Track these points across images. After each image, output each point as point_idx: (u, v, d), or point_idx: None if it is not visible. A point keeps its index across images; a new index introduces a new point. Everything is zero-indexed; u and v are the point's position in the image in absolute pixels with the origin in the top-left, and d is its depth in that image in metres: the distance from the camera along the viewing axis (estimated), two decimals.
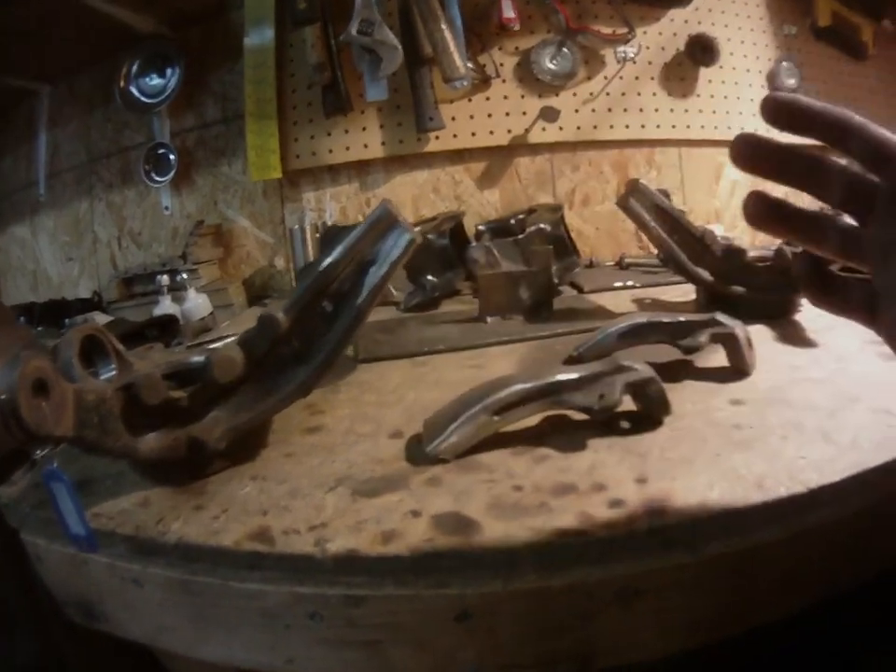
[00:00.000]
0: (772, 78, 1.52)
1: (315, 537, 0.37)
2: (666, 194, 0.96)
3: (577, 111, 1.41)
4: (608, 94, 1.42)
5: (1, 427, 0.35)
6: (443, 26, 1.23)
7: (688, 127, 1.46)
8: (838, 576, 0.38)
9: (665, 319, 0.59)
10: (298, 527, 0.38)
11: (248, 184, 1.44)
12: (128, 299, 1.37)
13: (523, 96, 1.39)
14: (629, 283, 1.07)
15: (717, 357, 0.59)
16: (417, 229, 1.03)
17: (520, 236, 1.00)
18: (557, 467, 0.42)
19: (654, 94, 1.44)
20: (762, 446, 0.43)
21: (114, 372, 0.46)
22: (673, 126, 1.46)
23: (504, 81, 1.39)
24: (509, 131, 1.39)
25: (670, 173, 1.49)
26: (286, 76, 1.38)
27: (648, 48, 1.43)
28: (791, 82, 1.52)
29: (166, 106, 1.41)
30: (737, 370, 0.57)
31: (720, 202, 1.52)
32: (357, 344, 0.81)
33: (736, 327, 0.57)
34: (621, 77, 1.42)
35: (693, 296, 0.85)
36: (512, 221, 1.19)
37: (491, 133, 1.39)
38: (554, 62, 1.38)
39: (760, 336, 0.67)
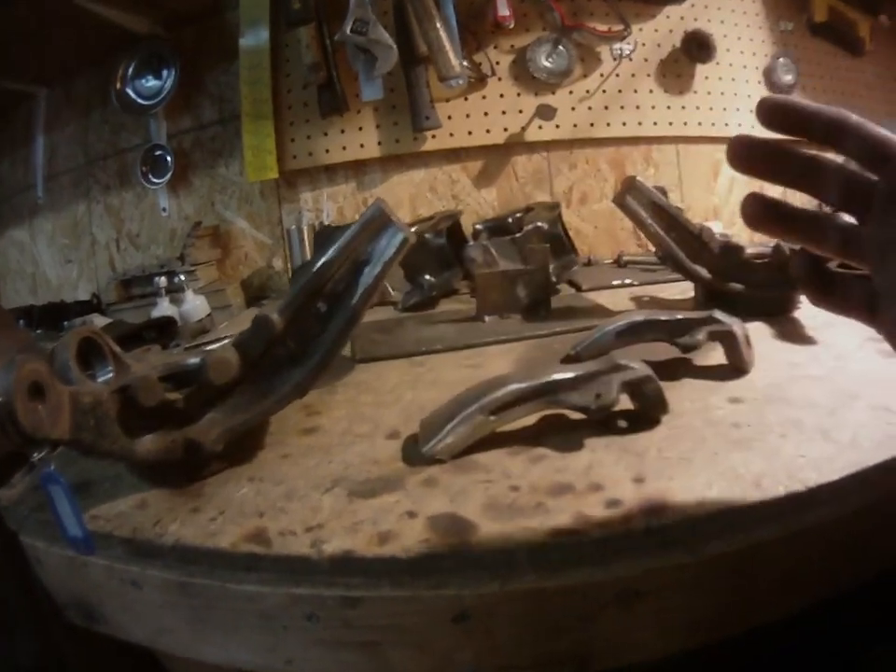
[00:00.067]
0: (769, 74, 1.52)
1: (311, 538, 0.37)
2: (664, 191, 0.96)
3: (573, 109, 1.41)
4: (604, 92, 1.42)
5: None
6: (438, 25, 1.23)
7: (685, 124, 1.47)
8: (838, 575, 0.38)
9: (663, 317, 0.59)
10: (294, 529, 0.38)
11: (245, 185, 1.44)
12: (126, 301, 1.37)
13: (519, 94, 1.39)
14: (627, 281, 1.07)
15: (715, 355, 0.59)
16: (414, 228, 1.03)
17: (517, 235, 1.00)
18: (554, 466, 0.42)
19: (651, 91, 1.45)
20: (760, 445, 0.42)
21: (111, 375, 0.46)
22: (670, 123, 1.46)
23: (500, 79, 1.39)
24: (505, 129, 1.39)
25: (668, 170, 1.49)
26: (281, 76, 1.38)
27: (644, 44, 1.43)
28: (788, 78, 1.52)
29: (162, 108, 1.42)
30: (736, 367, 0.57)
31: (718, 198, 1.52)
32: (355, 344, 0.81)
33: (734, 324, 0.57)
34: (617, 75, 1.42)
35: (692, 293, 0.85)
36: (510, 220, 1.19)
37: (487, 131, 1.39)
38: (550, 59, 1.38)
39: (758, 333, 0.67)
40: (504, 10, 1.31)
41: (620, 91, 1.43)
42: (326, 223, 1.38)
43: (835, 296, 0.34)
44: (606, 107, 1.42)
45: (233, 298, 1.35)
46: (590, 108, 1.42)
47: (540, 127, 1.40)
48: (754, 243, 0.90)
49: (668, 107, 1.45)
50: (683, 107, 1.46)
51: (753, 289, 0.75)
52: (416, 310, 1.03)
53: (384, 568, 0.35)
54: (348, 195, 1.42)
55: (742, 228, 1.37)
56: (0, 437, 0.35)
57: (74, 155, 1.55)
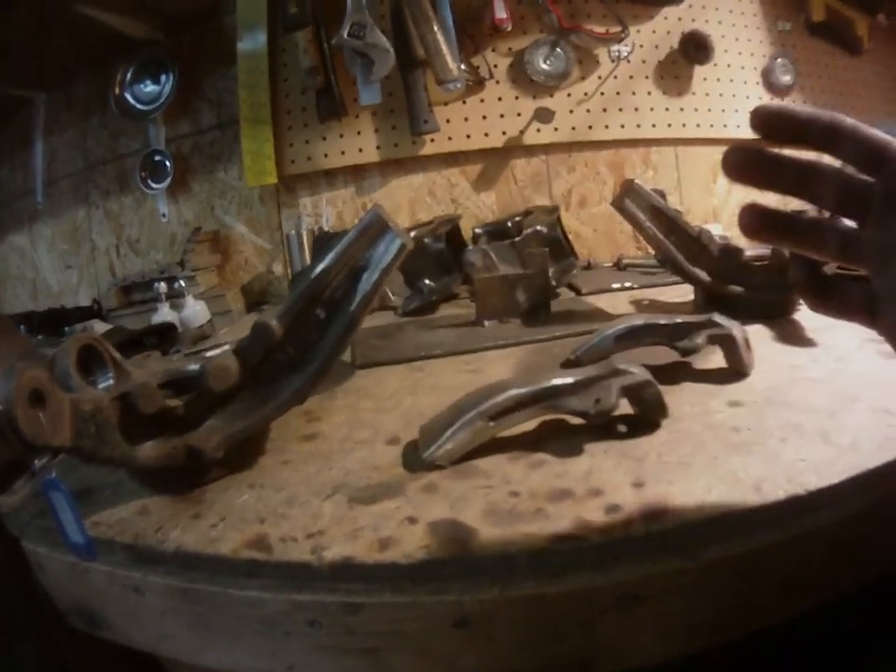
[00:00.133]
0: (767, 75, 1.52)
1: (311, 544, 0.37)
2: (662, 194, 0.96)
3: (572, 112, 1.41)
4: (602, 94, 1.42)
5: None
6: (435, 28, 1.23)
7: (684, 126, 1.47)
8: (838, 579, 0.38)
9: (662, 321, 0.59)
10: (295, 535, 0.38)
11: (245, 190, 1.44)
12: (127, 306, 1.38)
13: (517, 97, 1.40)
14: (627, 284, 1.07)
15: (715, 359, 0.59)
16: (413, 233, 1.03)
17: (517, 239, 1.00)
18: (554, 472, 0.42)
19: (649, 93, 1.45)
20: (760, 448, 0.42)
21: (111, 382, 0.46)
22: (669, 125, 1.46)
23: (498, 83, 1.39)
24: (504, 132, 1.39)
25: (667, 172, 1.49)
26: (279, 80, 1.38)
27: (642, 46, 1.44)
28: (787, 78, 1.52)
29: (161, 113, 1.42)
30: (735, 371, 0.57)
31: (717, 200, 1.52)
32: (355, 350, 0.81)
33: (734, 327, 0.57)
34: (615, 77, 1.42)
35: (692, 296, 0.85)
36: (509, 224, 1.19)
37: (486, 135, 1.39)
38: (548, 62, 1.38)
39: (758, 336, 0.67)
40: (501, 13, 1.31)
41: (618, 93, 1.43)
42: (325, 228, 1.38)
43: (834, 301, 0.34)
44: (604, 110, 1.42)
45: (233, 303, 1.35)
46: (588, 111, 1.42)
47: (539, 130, 1.40)
48: (753, 245, 0.90)
49: (667, 109, 1.46)
50: (682, 109, 1.46)
51: (753, 292, 0.75)
52: (416, 315, 1.04)
53: (384, 574, 0.35)
54: (347, 200, 1.42)
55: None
56: (1, 444, 0.35)
57: (73, 160, 1.56)
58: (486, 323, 0.87)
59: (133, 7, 1.32)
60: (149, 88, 1.44)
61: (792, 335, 0.68)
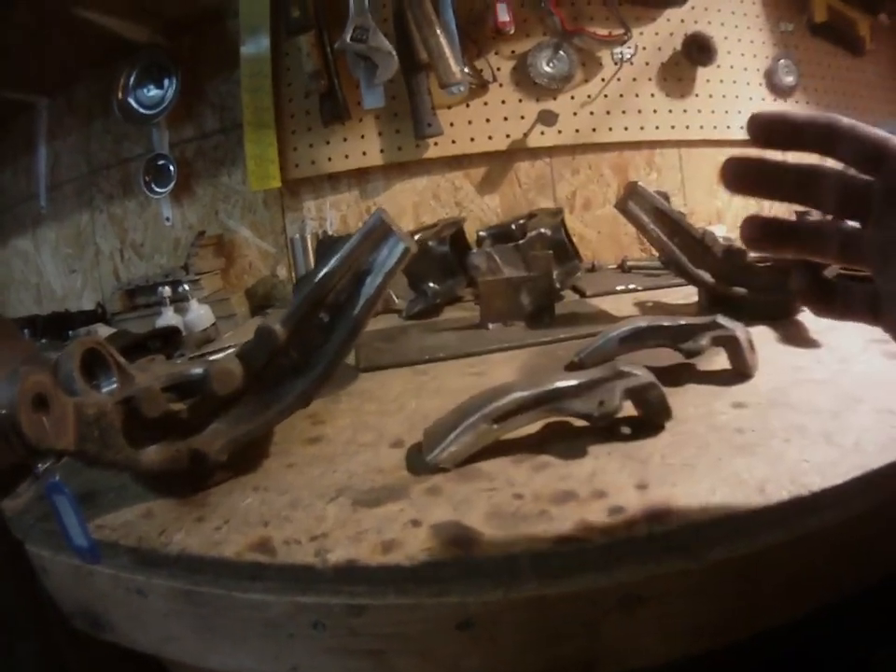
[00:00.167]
0: (770, 76, 1.52)
1: (315, 547, 0.37)
2: (666, 196, 0.96)
3: (575, 114, 1.41)
4: (606, 96, 1.42)
5: (2, 442, 0.35)
6: (438, 31, 1.23)
7: (687, 127, 1.47)
8: (842, 580, 0.38)
9: (666, 323, 0.59)
10: (299, 538, 0.38)
11: (249, 194, 1.44)
12: (131, 310, 1.38)
13: (520, 100, 1.40)
14: (631, 286, 1.06)
15: (719, 360, 0.59)
16: (417, 236, 1.03)
17: (521, 241, 1.00)
18: (558, 474, 0.42)
19: (652, 95, 1.45)
20: (764, 450, 0.42)
21: (115, 385, 0.46)
22: (672, 127, 1.46)
23: (501, 86, 1.39)
24: (507, 135, 1.40)
25: (670, 174, 1.49)
26: (283, 84, 1.39)
27: (644, 48, 1.43)
28: (790, 79, 1.52)
29: (164, 117, 1.42)
30: (739, 372, 0.57)
31: (721, 202, 1.52)
32: (359, 353, 0.81)
33: (738, 329, 0.57)
34: (618, 79, 1.42)
35: (696, 298, 0.85)
36: (513, 226, 1.19)
37: (490, 138, 1.39)
38: (551, 65, 1.38)
39: (762, 337, 0.67)
40: (504, 16, 1.31)
41: (621, 95, 1.43)
42: (329, 232, 1.38)
43: (837, 304, 0.34)
44: (608, 112, 1.43)
45: (238, 307, 1.36)
46: (592, 113, 1.42)
47: (543, 133, 1.40)
48: None
49: (670, 111, 1.46)
50: (685, 111, 1.46)
51: (757, 293, 0.75)
52: (420, 318, 1.03)
53: (388, 577, 0.35)
54: (351, 203, 1.43)
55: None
56: (4, 448, 0.35)
57: (76, 164, 1.56)
58: (490, 326, 0.87)
59: (134, 11, 1.32)
60: (152, 92, 1.44)
61: (796, 336, 0.68)
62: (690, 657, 0.36)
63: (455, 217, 1.28)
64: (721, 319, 0.58)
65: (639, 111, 1.44)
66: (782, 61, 1.52)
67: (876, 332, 0.33)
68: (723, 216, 1.52)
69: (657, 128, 1.45)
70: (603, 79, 1.42)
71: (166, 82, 1.43)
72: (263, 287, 1.47)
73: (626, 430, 0.47)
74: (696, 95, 1.47)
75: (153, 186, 1.46)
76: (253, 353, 0.48)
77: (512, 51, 1.39)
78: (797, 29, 1.57)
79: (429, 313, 1.05)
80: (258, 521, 0.41)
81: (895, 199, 0.30)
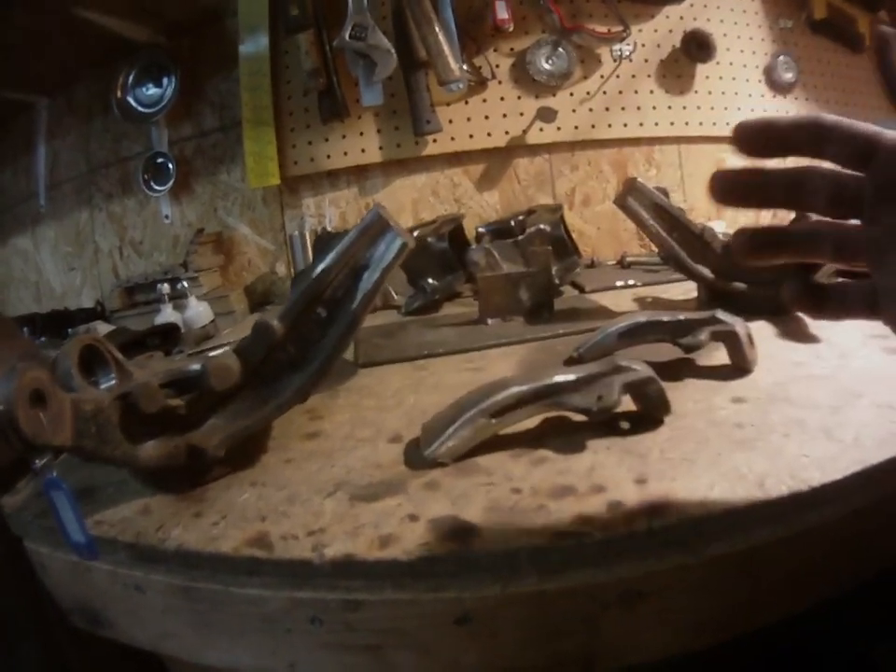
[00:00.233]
0: (769, 73, 1.52)
1: (312, 542, 0.37)
2: (665, 192, 0.96)
3: (574, 111, 1.41)
4: (605, 93, 1.42)
5: (0, 439, 0.35)
6: (437, 29, 1.23)
7: (686, 124, 1.46)
8: (842, 575, 0.38)
9: (665, 318, 0.59)
10: (296, 533, 0.38)
11: (248, 191, 1.44)
12: (130, 308, 1.38)
13: (519, 97, 1.39)
14: (631, 282, 1.06)
15: (718, 355, 0.59)
16: (416, 232, 1.03)
17: (520, 237, 1.00)
18: (556, 469, 0.42)
19: (652, 92, 1.44)
20: (763, 445, 0.42)
21: (114, 382, 0.46)
22: (671, 123, 1.45)
23: (500, 83, 1.39)
24: (506, 132, 1.39)
25: (670, 170, 1.48)
26: (281, 82, 1.38)
27: (643, 45, 1.43)
28: (789, 76, 1.52)
29: (164, 116, 1.42)
30: (739, 367, 0.57)
31: None
32: (358, 349, 0.81)
33: (737, 324, 0.57)
34: (617, 76, 1.42)
35: (695, 294, 0.85)
36: (512, 223, 1.19)
37: (489, 134, 1.39)
38: (550, 62, 1.38)
39: (761, 332, 0.66)
40: (503, 13, 1.31)
41: (620, 92, 1.43)
42: (328, 228, 1.38)
43: (832, 305, 0.34)
44: (607, 109, 1.42)
45: (237, 304, 1.35)
46: (591, 110, 1.42)
47: (542, 129, 1.40)
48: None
49: (669, 107, 1.45)
50: (684, 107, 1.46)
51: (756, 288, 0.75)
52: (419, 314, 1.03)
53: (385, 572, 0.35)
54: (350, 200, 1.43)
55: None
56: (2, 444, 0.35)
57: (76, 163, 1.56)
58: (489, 321, 0.86)
59: (133, 11, 1.32)
60: (151, 91, 1.44)
61: (796, 331, 0.67)
62: (690, 653, 0.36)
63: (454, 214, 1.28)
64: (721, 314, 0.57)
65: (638, 108, 1.44)
66: (781, 57, 1.52)
67: (876, 327, 0.33)
68: (722, 212, 1.51)
69: (656, 124, 1.44)
70: (602, 76, 1.42)
71: (165, 81, 1.43)
72: (262, 284, 1.46)
73: (625, 425, 0.47)
74: (696, 92, 1.47)
75: (152, 184, 1.46)
76: (250, 348, 0.47)
77: (511, 49, 1.39)
78: (796, 26, 1.57)
79: (428, 309, 1.05)
80: (255, 516, 0.41)
81: (886, 193, 0.29)
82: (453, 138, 1.38)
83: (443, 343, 0.79)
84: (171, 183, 1.44)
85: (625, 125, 1.43)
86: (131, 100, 1.44)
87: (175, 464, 0.45)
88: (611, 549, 0.35)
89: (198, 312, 1.20)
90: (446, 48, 1.23)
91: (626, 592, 0.34)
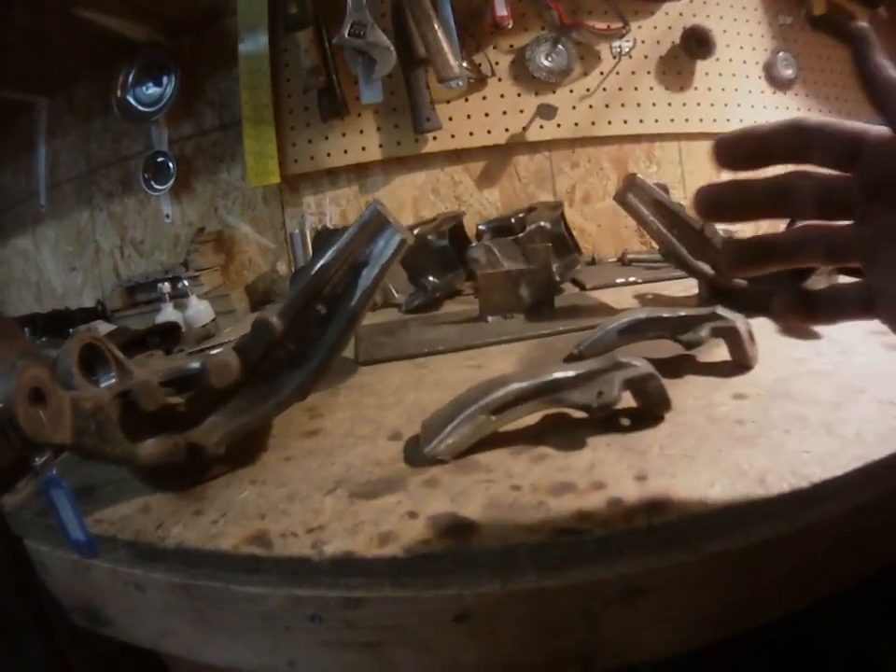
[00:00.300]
0: (769, 69, 1.51)
1: (312, 539, 0.37)
2: (665, 188, 0.95)
3: (574, 108, 1.41)
4: (604, 90, 1.42)
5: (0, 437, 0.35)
6: (436, 26, 1.22)
7: (686, 120, 1.46)
8: (843, 571, 0.38)
9: (666, 314, 0.58)
10: (295, 530, 0.38)
11: (248, 190, 1.44)
12: (131, 307, 1.38)
13: (519, 94, 1.39)
14: (631, 279, 1.06)
15: (719, 352, 0.59)
16: (416, 230, 1.03)
17: (520, 235, 1.00)
18: (556, 465, 0.42)
19: (651, 88, 1.44)
20: (764, 441, 0.42)
21: (114, 380, 0.46)
22: (671, 120, 1.45)
23: (500, 80, 1.39)
24: (506, 129, 1.39)
25: (670, 167, 1.48)
26: (281, 81, 1.39)
27: (643, 42, 1.43)
28: (788, 72, 1.52)
29: (164, 115, 1.42)
30: (739, 364, 0.56)
31: None
32: (358, 347, 0.81)
33: (737, 320, 0.57)
34: (617, 73, 1.42)
35: (696, 290, 0.84)
36: (513, 220, 1.19)
37: (489, 132, 1.39)
38: (550, 58, 1.37)
39: (762, 329, 0.66)
40: (502, 10, 1.31)
41: (620, 88, 1.43)
42: (329, 227, 1.38)
43: (825, 310, 0.34)
44: (607, 105, 1.42)
45: (238, 303, 1.35)
46: (591, 107, 1.42)
47: (542, 126, 1.40)
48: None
49: (669, 104, 1.45)
50: (684, 104, 1.46)
51: (756, 285, 0.75)
52: (420, 312, 1.03)
53: (384, 569, 0.35)
54: (351, 198, 1.43)
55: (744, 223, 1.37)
56: (2, 442, 0.35)
57: (76, 163, 1.56)
58: (490, 319, 0.86)
59: (133, 11, 1.32)
60: (151, 90, 1.44)
61: (797, 328, 0.67)
62: (690, 650, 0.36)
63: (454, 212, 1.28)
64: (721, 310, 0.57)
65: (638, 104, 1.44)
66: (781, 53, 1.52)
67: (877, 324, 0.32)
68: None
69: (656, 121, 1.44)
70: (602, 73, 1.42)
71: (165, 80, 1.43)
72: (263, 283, 1.47)
73: (625, 422, 0.47)
74: (695, 88, 1.47)
75: (152, 183, 1.46)
76: (250, 345, 0.47)
77: (511, 45, 1.39)
78: (796, 22, 1.57)
79: (429, 306, 1.04)
80: (255, 514, 0.41)
81: (875, 192, 0.29)
82: (453, 136, 1.38)
83: (444, 341, 0.79)
84: (171, 182, 1.44)
85: (625, 122, 1.43)
86: (131, 99, 1.44)
87: (174, 462, 0.45)
88: (611, 546, 0.34)
89: (199, 311, 1.20)
90: (445, 45, 1.23)
91: (626, 589, 0.34)
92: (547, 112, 1.37)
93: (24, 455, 0.53)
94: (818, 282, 0.65)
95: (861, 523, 0.37)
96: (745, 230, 1.00)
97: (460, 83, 1.26)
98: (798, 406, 0.47)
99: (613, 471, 0.40)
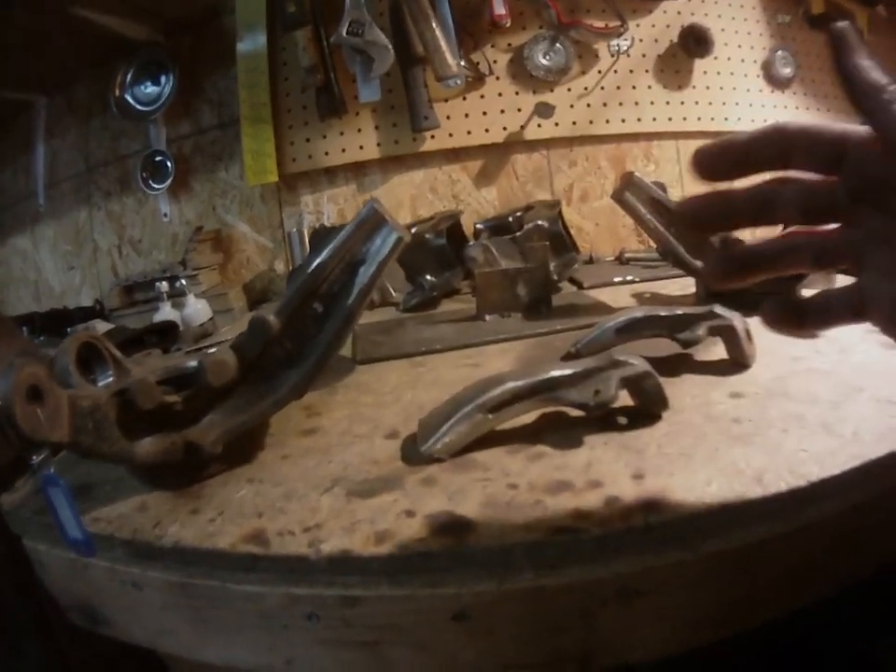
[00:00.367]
0: (767, 68, 1.51)
1: (309, 538, 0.37)
2: (663, 187, 0.96)
3: (572, 106, 1.41)
4: (602, 88, 1.42)
5: None
6: (434, 25, 1.22)
7: (685, 119, 1.46)
8: (839, 570, 0.38)
9: (663, 313, 0.58)
10: (292, 529, 0.38)
11: (246, 189, 1.44)
12: (129, 306, 1.38)
13: (517, 93, 1.39)
14: (629, 278, 1.06)
15: (716, 350, 0.59)
16: (414, 229, 1.03)
17: (518, 233, 1.00)
18: (553, 464, 0.42)
19: (649, 87, 1.44)
20: (762, 440, 0.42)
21: (111, 379, 0.46)
22: (669, 118, 1.45)
23: (498, 78, 1.38)
24: (504, 128, 1.39)
25: (668, 166, 1.48)
26: (279, 79, 1.38)
27: (641, 40, 1.43)
28: (787, 71, 1.52)
29: (162, 114, 1.42)
30: (737, 362, 0.57)
31: None
32: (356, 346, 0.81)
33: (735, 319, 0.57)
34: (615, 71, 1.42)
35: (693, 289, 0.84)
36: (510, 219, 1.19)
37: (486, 130, 1.39)
38: (547, 57, 1.37)
39: (760, 327, 0.66)
40: (500, 9, 1.31)
41: (618, 87, 1.43)
42: (326, 226, 1.38)
43: (815, 317, 0.33)
44: (605, 104, 1.42)
45: (235, 301, 1.35)
46: (589, 105, 1.41)
47: (539, 125, 1.39)
48: (754, 237, 0.89)
49: (667, 103, 1.45)
50: (682, 103, 1.46)
51: (754, 283, 0.74)
52: (417, 310, 1.03)
53: (381, 568, 0.35)
54: (349, 197, 1.42)
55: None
56: (0, 441, 0.35)
57: (74, 162, 1.56)
58: (487, 317, 0.86)
59: (132, 11, 1.32)
60: (150, 89, 1.44)
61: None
62: (689, 650, 0.36)
63: (452, 210, 1.27)
64: (719, 309, 0.57)
65: (636, 103, 1.44)
66: (779, 52, 1.52)
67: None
68: None
69: (654, 120, 1.44)
70: (600, 71, 1.42)
71: (163, 79, 1.43)
72: (261, 282, 1.46)
73: (622, 420, 0.47)
74: (694, 87, 1.47)
75: (151, 182, 1.46)
76: (247, 344, 0.47)
77: (509, 44, 1.39)
78: (794, 21, 1.57)
79: (426, 305, 1.04)
80: (252, 512, 0.41)
81: (861, 195, 0.29)
82: (451, 134, 1.37)
83: (441, 340, 0.79)
84: (169, 181, 1.44)
85: (623, 120, 1.43)
86: (129, 98, 1.44)
87: (171, 460, 0.45)
88: (608, 545, 0.34)
89: (196, 309, 1.20)
90: (443, 43, 1.22)
91: (623, 588, 0.34)
92: (545, 111, 1.37)
93: (22, 454, 0.53)
94: (815, 281, 0.65)
95: (858, 522, 0.37)
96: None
97: (458, 82, 1.26)
98: (796, 405, 0.47)
99: (610, 470, 0.40)
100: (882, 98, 0.27)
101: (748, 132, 0.30)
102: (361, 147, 1.37)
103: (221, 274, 1.45)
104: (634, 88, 1.43)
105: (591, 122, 1.42)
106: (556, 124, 1.40)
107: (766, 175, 0.31)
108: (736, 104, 1.48)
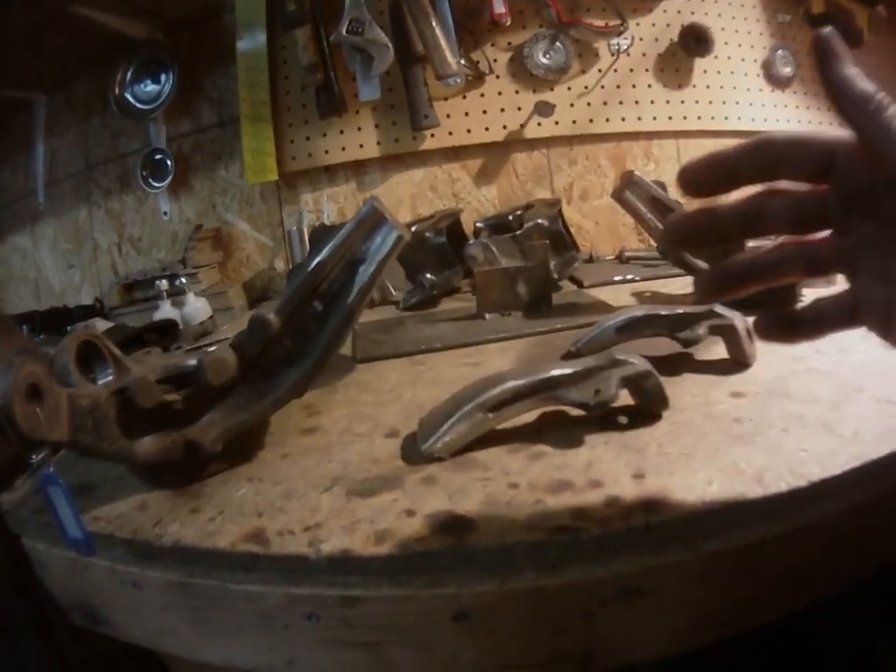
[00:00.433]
0: (767, 67, 1.51)
1: (309, 537, 0.37)
2: (663, 186, 0.95)
3: (572, 105, 1.40)
4: (602, 87, 1.41)
5: None
6: (434, 23, 1.22)
7: (685, 118, 1.46)
8: (840, 570, 0.38)
9: (663, 312, 0.58)
10: (292, 528, 0.38)
11: (246, 187, 1.44)
12: (129, 304, 1.37)
13: (517, 91, 1.39)
14: (629, 276, 1.06)
15: (717, 350, 0.58)
16: (414, 227, 1.03)
17: (518, 232, 1.00)
18: (553, 463, 0.42)
19: (650, 86, 1.44)
20: (762, 439, 0.42)
21: (111, 378, 0.46)
22: (669, 117, 1.45)
23: (498, 77, 1.38)
24: (504, 127, 1.39)
25: (668, 165, 1.48)
26: (279, 78, 1.38)
27: (641, 39, 1.43)
28: (787, 70, 1.51)
29: (162, 112, 1.41)
30: (737, 362, 0.56)
31: None
32: (356, 344, 0.81)
33: (735, 318, 0.57)
34: (615, 70, 1.42)
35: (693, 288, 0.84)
36: (510, 217, 1.19)
37: (486, 129, 1.38)
38: (548, 56, 1.37)
39: None
40: (500, 7, 1.31)
41: (618, 86, 1.42)
42: (326, 224, 1.38)
43: (808, 327, 0.33)
44: (605, 103, 1.42)
45: (235, 300, 1.35)
46: (589, 104, 1.41)
47: (539, 124, 1.39)
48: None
49: (667, 102, 1.45)
50: (682, 102, 1.46)
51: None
52: (417, 309, 1.03)
53: (381, 568, 0.35)
54: (349, 195, 1.42)
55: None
56: (0, 440, 0.35)
57: (74, 160, 1.56)
58: (487, 316, 0.86)
59: (132, 9, 1.32)
60: (149, 87, 1.44)
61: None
62: (689, 649, 0.36)
63: (452, 209, 1.27)
64: (719, 308, 0.57)
65: (636, 102, 1.43)
66: (780, 51, 1.51)
67: None
68: None
69: (654, 119, 1.44)
70: (600, 70, 1.42)
71: (163, 77, 1.42)
72: (261, 280, 1.46)
73: (623, 419, 0.47)
74: (694, 86, 1.46)
75: (150, 180, 1.45)
76: (247, 342, 0.47)
77: (509, 43, 1.39)
78: (794, 20, 1.57)
79: (426, 304, 1.04)
80: (252, 511, 0.41)
81: (850, 203, 0.29)
82: (450, 133, 1.37)
83: (441, 338, 0.79)
84: (169, 179, 1.44)
85: (623, 119, 1.43)
86: (129, 96, 1.44)
87: (171, 459, 0.45)
88: (609, 544, 0.34)
89: (196, 308, 1.20)
90: (443, 42, 1.22)
91: (624, 588, 0.34)
92: (545, 109, 1.37)
93: (21, 453, 0.53)
94: (814, 282, 0.65)
95: (858, 522, 0.37)
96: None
97: (458, 80, 1.25)
98: (796, 405, 0.47)
99: (611, 469, 0.40)
100: (868, 108, 0.27)
101: (734, 146, 0.30)
102: (361, 146, 1.37)
103: (221, 273, 1.45)
104: (634, 87, 1.43)
105: (591, 121, 1.41)
106: (556, 123, 1.40)
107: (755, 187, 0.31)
108: (736, 103, 1.48)
